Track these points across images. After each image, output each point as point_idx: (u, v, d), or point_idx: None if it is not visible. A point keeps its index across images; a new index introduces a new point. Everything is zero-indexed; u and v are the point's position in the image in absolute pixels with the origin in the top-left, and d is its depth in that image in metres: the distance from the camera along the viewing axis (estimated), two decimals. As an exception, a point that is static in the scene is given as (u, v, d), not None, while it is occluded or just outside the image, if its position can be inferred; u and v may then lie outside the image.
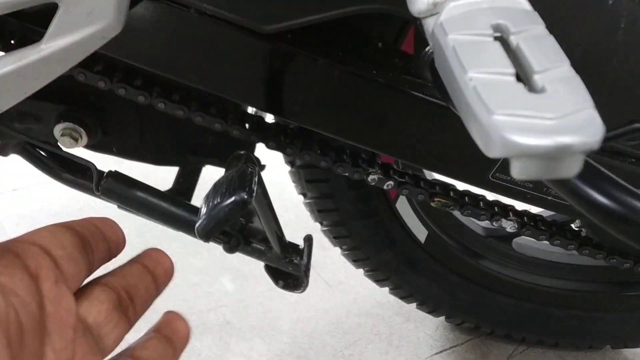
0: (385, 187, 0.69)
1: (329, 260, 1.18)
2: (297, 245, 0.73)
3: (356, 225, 0.86)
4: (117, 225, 0.36)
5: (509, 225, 0.72)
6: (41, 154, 0.71)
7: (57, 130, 0.67)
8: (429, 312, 1.01)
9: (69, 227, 0.32)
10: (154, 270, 0.36)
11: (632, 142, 0.55)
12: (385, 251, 0.90)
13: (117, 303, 0.33)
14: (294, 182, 0.85)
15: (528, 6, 0.30)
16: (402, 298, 1.00)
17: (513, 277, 0.97)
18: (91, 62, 0.57)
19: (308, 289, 1.17)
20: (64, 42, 0.47)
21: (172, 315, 0.37)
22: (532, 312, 1.00)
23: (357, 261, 0.93)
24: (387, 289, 0.99)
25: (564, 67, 0.24)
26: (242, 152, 0.60)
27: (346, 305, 1.11)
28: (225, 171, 0.56)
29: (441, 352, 1.05)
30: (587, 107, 0.22)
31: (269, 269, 0.74)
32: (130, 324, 0.33)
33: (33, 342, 0.25)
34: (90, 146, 0.71)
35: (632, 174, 0.57)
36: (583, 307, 0.99)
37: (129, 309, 0.33)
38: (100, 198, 0.69)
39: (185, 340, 0.36)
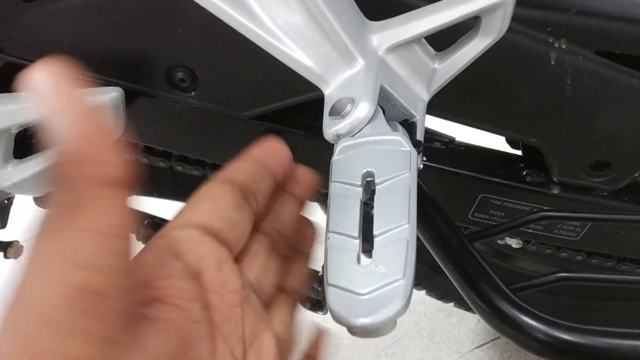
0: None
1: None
2: (318, 272, 0.80)
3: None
4: (279, 146, 0.33)
5: (514, 242, 0.76)
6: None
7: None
8: (466, 310, 1.06)
9: (230, 181, 0.29)
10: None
11: (599, 178, 0.58)
12: (412, 260, 0.96)
13: (271, 247, 0.31)
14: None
15: (406, 146, 0.34)
16: (438, 299, 1.05)
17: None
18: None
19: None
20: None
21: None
22: (569, 305, 1.02)
23: (389, 269, 0.99)
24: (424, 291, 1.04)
25: (399, 229, 0.29)
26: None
27: (390, 304, 1.18)
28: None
29: (482, 345, 1.09)
30: (397, 279, 0.28)
31: (296, 293, 0.83)
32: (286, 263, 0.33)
33: (205, 344, 0.24)
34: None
35: (604, 206, 0.60)
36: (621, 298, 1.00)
37: (283, 248, 0.33)
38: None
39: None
